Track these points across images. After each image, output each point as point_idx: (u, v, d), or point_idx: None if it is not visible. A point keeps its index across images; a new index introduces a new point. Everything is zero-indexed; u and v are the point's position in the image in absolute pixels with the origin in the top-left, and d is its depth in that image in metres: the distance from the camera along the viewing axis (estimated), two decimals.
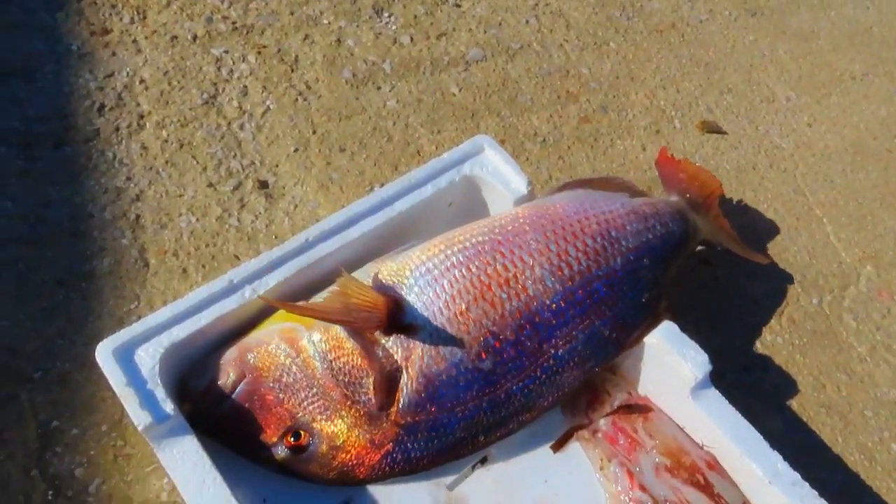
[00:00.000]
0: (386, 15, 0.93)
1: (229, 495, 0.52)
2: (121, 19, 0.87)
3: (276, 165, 0.80)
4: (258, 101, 0.84)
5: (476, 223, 0.63)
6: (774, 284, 0.79)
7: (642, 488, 0.59)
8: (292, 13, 0.91)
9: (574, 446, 0.63)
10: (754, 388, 0.72)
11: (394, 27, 0.92)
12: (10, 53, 0.82)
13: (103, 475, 0.60)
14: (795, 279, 0.80)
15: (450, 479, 0.61)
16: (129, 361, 0.55)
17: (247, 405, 0.57)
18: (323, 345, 0.57)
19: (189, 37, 0.87)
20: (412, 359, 0.57)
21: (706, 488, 0.59)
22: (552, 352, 0.59)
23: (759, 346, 0.75)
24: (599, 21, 0.98)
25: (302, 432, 0.56)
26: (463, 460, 0.61)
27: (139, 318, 0.64)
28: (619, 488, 0.59)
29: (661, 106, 0.92)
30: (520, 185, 0.68)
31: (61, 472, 0.60)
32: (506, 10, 0.97)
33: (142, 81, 0.83)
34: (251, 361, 0.58)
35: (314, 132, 0.83)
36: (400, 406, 0.56)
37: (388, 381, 0.56)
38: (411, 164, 0.81)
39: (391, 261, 0.61)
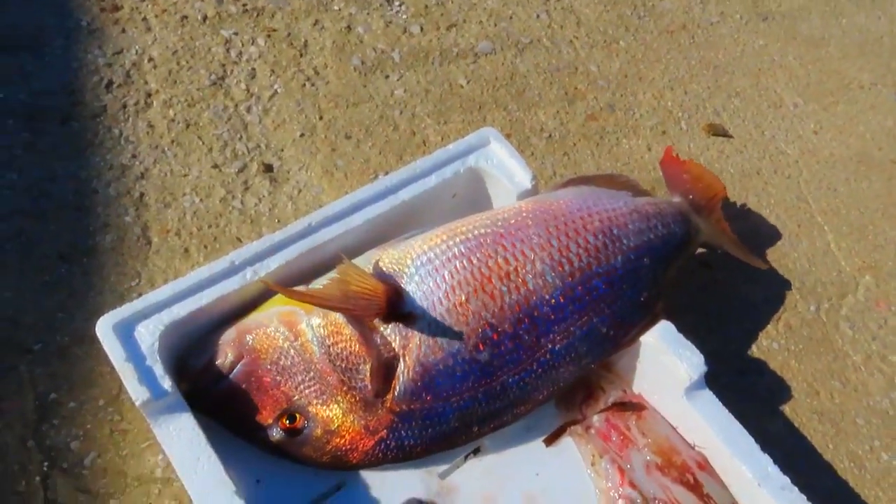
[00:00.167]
0: (397, 4, 0.93)
1: (223, 473, 0.53)
2: None
3: (282, 150, 0.80)
4: (266, 85, 0.84)
5: (479, 215, 0.63)
6: (773, 290, 0.79)
7: (632, 485, 0.59)
8: None
9: (567, 441, 0.63)
10: (749, 391, 0.72)
11: (404, 16, 0.92)
12: (20, 26, 0.82)
13: (99, 449, 0.61)
14: (794, 286, 0.80)
15: (442, 467, 0.61)
16: (129, 337, 0.56)
17: (244, 386, 0.57)
18: (321, 330, 0.58)
19: (199, 17, 0.87)
20: (410, 347, 0.57)
21: (696, 488, 0.59)
22: (549, 346, 0.60)
23: (756, 351, 0.75)
24: (610, 19, 0.98)
25: (297, 415, 0.57)
26: (456, 450, 0.61)
27: (140, 295, 0.64)
28: (610, 484, 0.60)
29: (669, 107, 0.92)
30: (524, 179, 0.68)
31: (57, 443, 0.60)
32: (517, 4, 0.96)
33: (150, 60, 0.83)
34: (250, 343, 0.58)
35: (321, 118, 0.83)
36: (396, 394, 0.57)
37: (385, 368, 0.57)
38: (417, 154, 0.81)
39: (393, 249, 0.61)
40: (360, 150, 0.82)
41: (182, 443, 0.53)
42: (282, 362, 0.57)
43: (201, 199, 0.75)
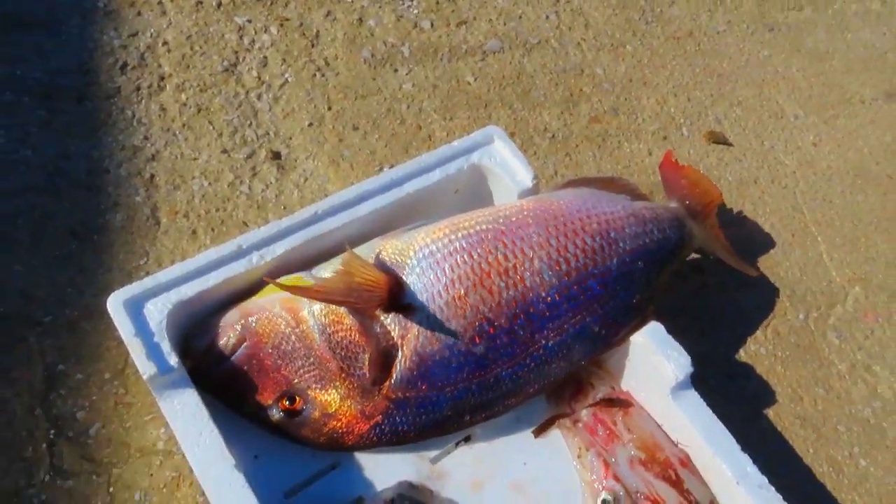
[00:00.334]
0: None
1: (224, 447, 0.55)
2: None
3: (290, 138, 0.81)
4: (277, 73, 0.85)
5: (481, 211, 0.65)
6: (764, 297, 0.81)
7: (616, 478, 0.61)
8: None
9: (555, 433, 0.65)
10: (735, 394, 0.74)
11: (415, 11, 0.93)
12: (36, 5, 0.83)
13: (103, 420, 0.63)
14: (784, 293, 0.82)
15: (434, 453, 0.63)
16: (139, 313, 0.58)
17: (246, 367, 0.59)
18: (323, 318, 0.59)
19: (214, 3, 0.88)
20: (408, 337, 0.59)
21: (677, 484, 0.61)
22: (543, 342, 0.61)
23: (743, 355, 0.77)
24: (618, 23, 0.99)
25: (297, 397, 0.59)
26: (448, 437, 0.63)
27: (147, 273, 0.66)
28: (594, 477, 0.62)
29: (671, 113, 0.93)
30: (526, 178, 0.70)
31: (64, 413, 0.62)
32: (527, 4, 0.98)
33: (164, 43, 0.84)
34: (252, 326, 0.60)
35: (329, 108, 0.84)
36: (392, 381, 0.59)
37: (384, 357, 0.58)
38: (422, 149, 0.83)
39: (396, 239, 0.62)
40: (366, 141, 0.83)
41: (185, 417, 0.55)
42: (283, 347, 0.59)
43: (210, 183, 0.77)
